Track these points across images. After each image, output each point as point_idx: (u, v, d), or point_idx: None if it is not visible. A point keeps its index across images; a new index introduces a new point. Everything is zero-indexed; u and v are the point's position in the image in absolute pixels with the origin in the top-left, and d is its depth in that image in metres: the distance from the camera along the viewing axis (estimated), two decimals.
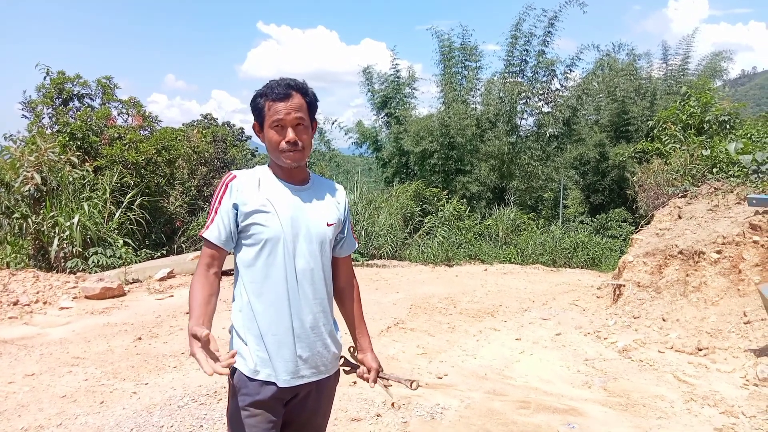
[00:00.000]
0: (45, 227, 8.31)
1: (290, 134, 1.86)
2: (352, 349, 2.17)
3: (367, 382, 2.13)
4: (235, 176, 1.91)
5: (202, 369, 1.58)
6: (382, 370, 2.16)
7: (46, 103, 10.88)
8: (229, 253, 1.95)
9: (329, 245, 2.00)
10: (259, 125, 1.94)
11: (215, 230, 1.87)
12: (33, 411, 3.89)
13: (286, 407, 1.95)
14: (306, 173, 2.02)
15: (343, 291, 2.14)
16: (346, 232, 2.11)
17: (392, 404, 3.84)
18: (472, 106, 18.67)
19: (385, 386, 2.15)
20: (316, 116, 2.04)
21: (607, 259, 13.36)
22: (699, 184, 8.12)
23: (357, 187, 14.69)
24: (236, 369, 1.89)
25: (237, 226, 1.88)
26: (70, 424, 3.70)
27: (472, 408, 4.05)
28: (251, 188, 1.89)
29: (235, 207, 1.87)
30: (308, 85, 1.95)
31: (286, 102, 1.86)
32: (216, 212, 1.88)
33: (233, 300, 1.96)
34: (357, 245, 2.24)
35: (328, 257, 2.00)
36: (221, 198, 1.88)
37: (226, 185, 1.89)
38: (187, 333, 1.71)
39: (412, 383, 2.10)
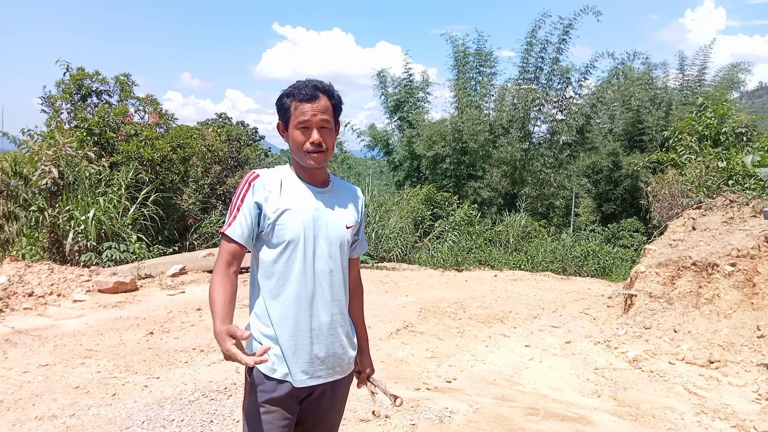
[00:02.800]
0: (61, 221, 8.42)
1: (315, 135, 1.88)
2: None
3: (357, 382, 2.19)
4: (258, 175, 1.93)
5: (242, 361, 1.59)
6: (372, 374, 2.20)
7: (65, 99, 11.02)
8: (248, 251, 1.97)
9: (347, 247, 2.03)
10: (284, 125, 1.96)
11: (237, 228, 1.89)
12: (47, 401, 3.94)
13: (300, 405, 1.97)
14: (327, 175, 2.04)
15: (351, 292, 2.15)
16: (360, 235, 2.14)
17: (372, 412, 3.81)
18: (486, 111, 18.67)
19: (372, 392, 2.18)
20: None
21: (618, 268, 13.28)
22: (714, 195, 8.06)
23: (368, 189, 14.72)
24: (254, 367, 1.92)
25: (258, 225, 1.90)
26: (83, 414, 3.74)
27: (481, 413, 4.05)
28: (274, 188, 1.91)
29: (258, 206, 1.88)
30: (334, 88, 1.97)
31: (312, 103, 1.88)
32: (239, 210, 1.89)
33: (250, 299, 1.98)
34: (368, 248, 2.27)
35: (345, 259, 2.03)
36: (244, 196, 1.90)
37: (250, 183, 1.91)
38: (215, 332, 1.70)
39: (396, 399, 2.12)
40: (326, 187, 2.02)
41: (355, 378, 2.19)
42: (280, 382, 1.90)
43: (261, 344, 1.90)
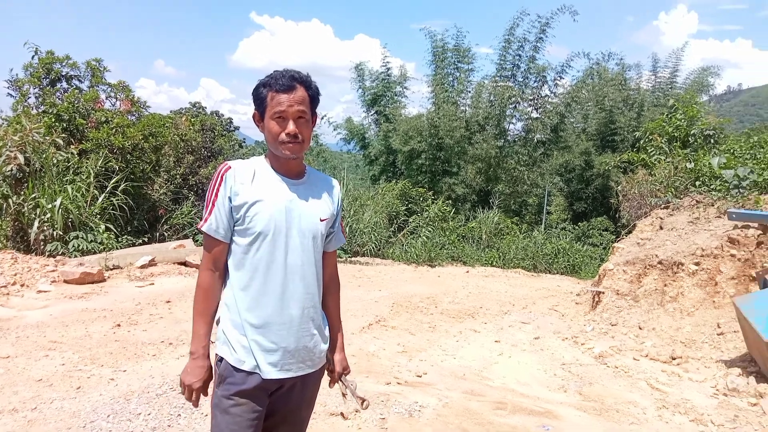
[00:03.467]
0: (26, 209, 8.19)
1: (291, 126, 1.87)
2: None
3: (330, 379, 2.19)
4: (230, 167, 1.91)
5: (192, 401, 1.95)
6: (347, 373, 2.19)
7: (33, 83, 10.69)
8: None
9: (321, 240, 2.01)
10: (260, 115, 1.93)
11: (213, 222, 1.88)
12: (7, 394, 3.85)
13: (270, 398, 1.96)
14: (302, 166, 2.02)
15: (326, 286, 2.12)
16: (336, 227, 2.12)
17: (341, 414, 3.83)
18: (462, 108, 18.77)
19: (342, 393, 2.19)
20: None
21: (587, 266, 13.53)
22: (681, 196, 8.27)
23: (344, 183, 14.68)
24: (222, 358, 1.91)
25: (233, 217, 1.89)
26: (45, 408, 3.66)
27: (450, 407, 4.09)
28: (246, 180, 1.89)
29: (231, 199, 1.87)
30: (312, 79, 1.95)
31: (289, 94, 1.86)
32: (213, 204, 1.88)
33: (221, 291, 1.97)
34: (345, 241, 2.26)
35: (319, 252, 2.02)
36: (217, 190, 1.88)
37: (222, 176, 1.89)
38: (193, 351, 1.92)
39: (363, 402, 2.13)
40: (301, 178, 2.00)
41: (328, 375, 2.18)
42: (249, 374, 1.89)
43: (229, 336, 1.90)
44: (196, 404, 1.94)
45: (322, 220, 1.99)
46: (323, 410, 3.85)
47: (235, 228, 1.90)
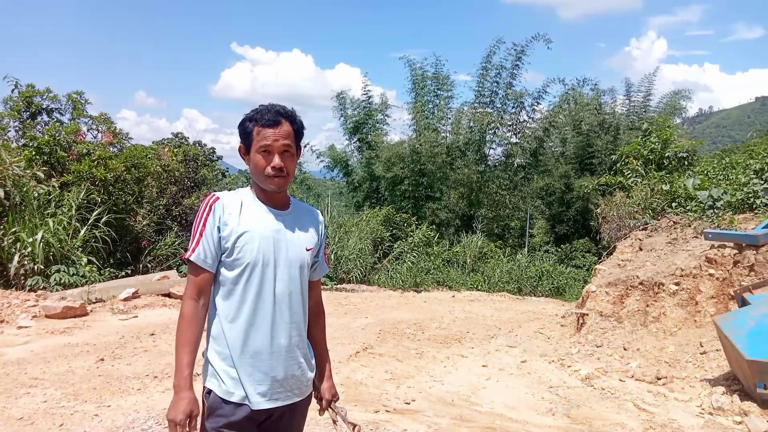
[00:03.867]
0: (6, 243, 8.07)
1: (276, 160, 1.91)
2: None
3: (319, 407, 2.20)
4: (218, 198, 1.94)
5: None
6: (336, 401, 2.21)
7: (13, 116, 10.64)
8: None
9: (307, 269, 2.05)
10: (246, 148, 1.98)
11: (201, 252, 1.90)
12: None
13: (259, 428, 1.97)
14: (287, 198, 2.07)
15: (312, 315, 2.15)
16: (320, 257, 2.16)
17: None
18: (443, 134, 19.05)
19: (333, 420, 2.20)
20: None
21: (571, 288, 13.66)
22: (659, 217, 8.45)
23: (328, 210, 14.73)
24: (211, 391, 1.92)
25: (221, 248, 1.91)
26: None
27: None
28: (234, 210, 1.93)
29: (219, 229, 1.90)
30: (296, 113, 2.01)
31: (274, 129, 1.91)
32: (201, 234, 1.90)
33: (207, 323, 1.97)
34: (329, 270, 2.29)
35: (306, 281, 2.05)
36: (205, 220, 1.91)
37: (210, 207, 1.92)
38: (177, 385, 1.86)
39: (354, 427, 2.15)
40: (286, 209, 2.04)
41: (317, 404, 2.20)
42: (238, 405, 1.89)
43: (217, 368, 1.91)
44: None
45: (307, 250, 2.03)
46: None
47: (223, 259, 1.92)
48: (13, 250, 8.04)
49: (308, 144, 20.45)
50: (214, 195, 1.96)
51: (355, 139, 19.89)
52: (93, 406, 4.32)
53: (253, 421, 1.92)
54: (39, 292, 7.65)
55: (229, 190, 2.11)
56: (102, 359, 5.46)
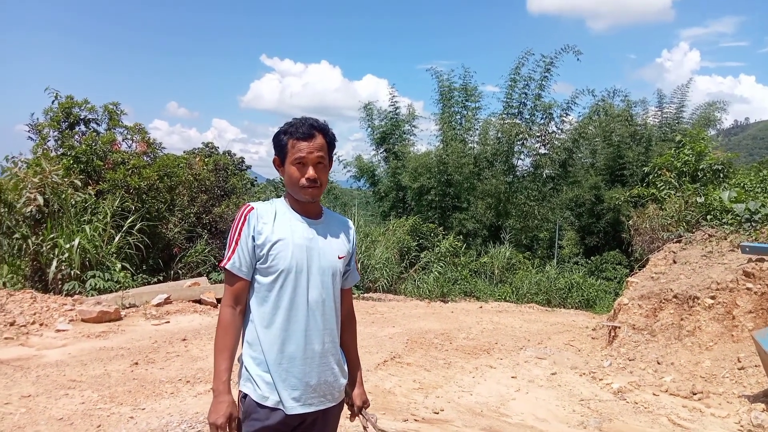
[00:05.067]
0: (44, 248, 8.32)
1: (311, 172, 1.97)
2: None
3: (350, 413, 2.23)
4: (252, 208, 2.00)
5: None
6: (367, 407, 2.23)
7: (53, 126, 10.99)
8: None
9: (339, 277, 2.09)
10: (280, 160, 2.04)
11: (237, 261, 1.95)
12: None
13: None
14: (320, 208, 2.12)
15: (343, 322, 2.19)
16: (351, 265, 2.20)
17: None
18: (470, 145, 19.01)
19: (363, 426, 2.22)
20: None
21: (602, 300, 13.43)
22: (693, 230, 8.28)
23: (354, 220, 14.81)
24: (246, 395, 1.96)
25: (255, 256, 1.96)
26: None
27: None
28: (268, 220, 1.98)
29: (254, 238, 1.95)
30: (329, 126, 2.07)
31: (309, 142, 1.97)
32: (237, 243, 1.96)
33: (243, 329, 2.02)
34: (359, 278, 2.33)
35: (338, 288, 2.09)
36: (240, 229, 1.96)
37: (245, 217, 1.97)
38: (216, 389, 1.92)
39: None
40: (319, 219, 2.09)
41: (348, 410, 2.22)
42: (273, 409, 1.93)
43: (252, 373, 1.95)
44: None
45: (340, 258, 2.07)
46: None
47: (258, 266, 1.97)
48: (52, 255, 8.28)
49: (336, 154, 20.61)
50: (249, 205, 2.02)
51: (382, 150, 19.98)
52: (128, 408, 4.41)
53: (287, 426, 1.96)
54: (75, 296, 7.85)
55: (258, 199, 2.17)
56: (136, 363, 5.58)
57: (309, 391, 1.97)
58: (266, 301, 1.96)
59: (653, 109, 22.55)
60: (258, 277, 1.98)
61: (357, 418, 2.23)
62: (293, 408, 1.94)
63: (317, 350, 1.99)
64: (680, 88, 21.83)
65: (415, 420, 4.49)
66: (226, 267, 1.97)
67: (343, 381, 2.12)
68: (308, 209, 2.06)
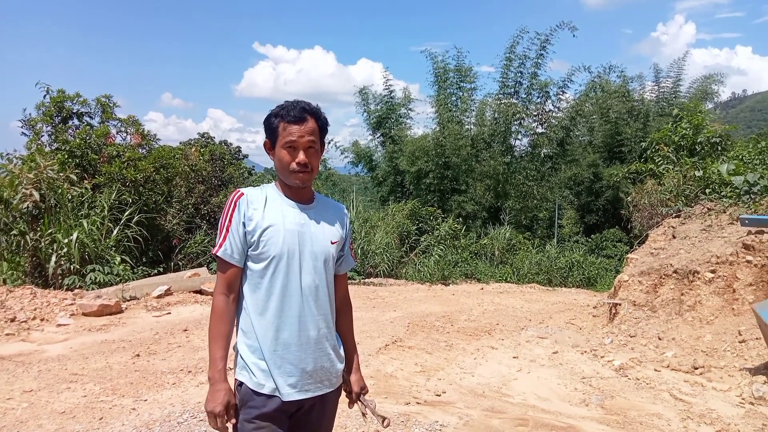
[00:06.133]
0: (43, 244, 8.32)
1: (301, 156, 1.93)
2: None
3: (348, 400, 2.20)
4: (242, 194, 1.97)
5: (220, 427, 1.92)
6: (365, 394, 2.21)
7: (46, 121, 10.93)
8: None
9: (333, 262, 2.06)
10: (271, 144, 2.00)
11: (228, 248, 1.92)
12: (32, 427, 3.87)
13: (290, 419, 1.99)
14: (311, 193, 2.09)
15: (339, 308, 2.17)
16: (345, 250, 2.16)
17: None
18: (467, 126, 18.90)
19: (362, 413, 2.20)
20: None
21: (603, 278, 13.44)
22: (692, 204, 8.25)
23: (353, 206, 14.78)
24: (242, 383, 1.94)
25: (247, 242, 1.94)
26: None
27: (471, 425, 4.07)
28: (258, 206, 1.95)
29: (244, 224, 1.92)
30: (321, 110, 2.03)
31: (300, 125, 1.93)
32: (227, 230, 1.93)
33: (236, 317, 2.00)
34: (355, 264, 2.30)
35: (331, 274, 2.06)
36: (231, 216, 1.93)
37: (235, 203, 1.94)
38: (212, 378, 1.92)
39: (384, 420, 2.15)
40: (311, 204, 2.06)
41: (346, 397, 2.21)
42: (269, 397, 1.92)
43: (247, 360, 1.94)
44: (224, 431, 1.93)
45: (332, 243, 2.04)
46: None
47: (250, 253, 1.94)
48: (50, 251, 8.28)
49: (332, 140, 20.51)
50: (239, 191, 1.99)
51: (379, 134, 19.88)
52: (130, 400, 4.42)
53: (284, 413, 1.95)
54: (76, 291, 7.86)
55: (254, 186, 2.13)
56: (138, 355, 5.59)
57: (305, 378, 1.96)
58: (259, 287, 1.94)
59: (650, 84, 22.41)
60: (250, 263, 1.95)
61: (356, 404, 2.21)
62: (289, 395, 1.93)
63: (312, 336, 1.97)
64: (676, 62, 21.69)
65: (417, 403, 4.50)
66: (218, 254, 1.94)
67: (340, 366, 2.10)
68: (299, 194, 2.02)
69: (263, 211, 1.95)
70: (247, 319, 1.96)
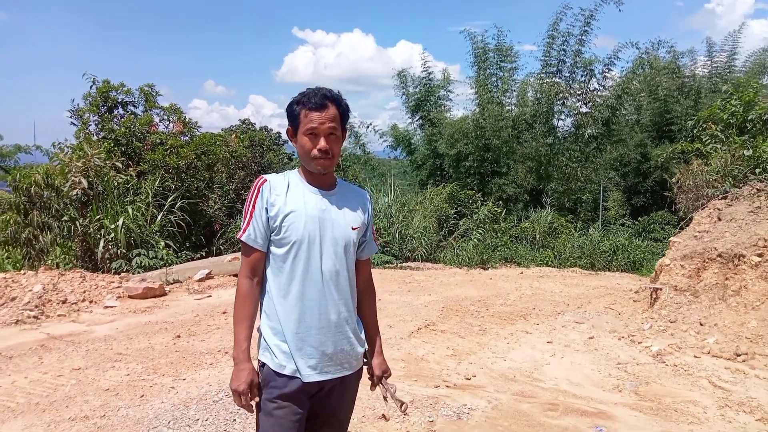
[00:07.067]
0: (91, 230, 8.70)
1: (323, 143, 1.97)
2: (365, 350, 2.25)
3: (371, 383, 2.25)
4: (266, 180, 2.03)
5: (244, 405, 2.01)
6: (388, 377, 2.24)
7: (93, 111, 11.33)
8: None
9: (353, 248, 2.10)
10: (293, 130, 2.05)
11: (252, 233, 2.00)
12: (79, 402, 4.11)
13: (311, 400, 2.05)
14: (333, 179, 2.13)
15: (361, 293, 2.21)
16: (368, 236, 2.20)
17: (383, 415, 3.88)
18: (508, 107, 18.51)
19: (383, 396, 2.23)
20: (348, 123, 2.16)
21: (649, 262, 13.02)
22: (740, 185, 7.87)
23: (391, 189, 14.77)
24: (264, 364, 2.01)
25: (270, 227, 2.00)
26: (113, 415, 3.89)
27: (499, 409, 4.07)
28: (281, 191, 2.01)
29: (267, 210, 1.98)
30: (342, 96, 2.05)
31: (321, 112, 1.97)
32: (251, 215, 2.00)
33: (261, 299, 2.07)
34: (378, 249, 2.33)
35: (352, 259, 2.10)
36: (254, 201, 2.00)
37: (258, 189, 2.01)
38: (237, 357, 1.99)
39: (402, 405, 2.18)
40: (332, 189, 2.09)
41: (368, 380, 2.25)
42: (290, 378, 1.98)
43: (272, 341, 2.00)
44: (249, 408, 2.00)
45: (353, 229, 2.07)
46: (372, 414, 3.91)
47: (272, 238, 2.01)
48: (98, 236, 8.65)
49: (371, 124, 20.48)
50: (262, 178, 2.05)
51: (418, 117, 19.68)
52: (170, 379, 4.61)
53: (305, 393, 2.01)
54: (122, 274, 8.21)
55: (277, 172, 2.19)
56: (179, 336, 5.81)
57: (325, 360, 2.01)
58: (281, 271, 2.00)
59: (702, 58, 21.34)
60: (273, 248, 2.02)
61: (377, 387, 2.25)
62: (310, 376, 1.99)
63: (333, 320, 2.02)
64: (732, 35, 20.53)
65: (447, 386, 4.52)
66: (242, 239, 2.02)
67: (360, 349, 2.14)
68: (321, 180, 2.07)
69: (285, 196, 2.00)
70: (270, 302, 2.02)
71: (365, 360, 2.21)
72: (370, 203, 2.22)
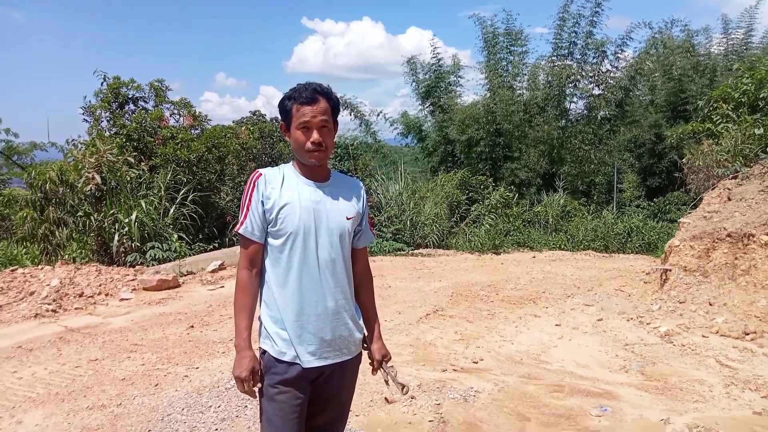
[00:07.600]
0: (106, 224, 8.87)
1: (315, 135, 2.03)
2: (364, 336, 2.30)
3: (371, 367, 2.31)
4: (261, 174, 2.09)
5: (248, 392, 2.09)
6: (387, 361, 2.30)
7: (104, 107, 11.51)
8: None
9: (349, 237, 2.16)
10: (286, 126, 2.11)
11: (249, 225, 2.06)
12: (96, 392, 4.24)
13: (312, 385, 2.12)
14: (327, 171, 2.18)
15: (359, 280, 2.28)
16: (363, 225, 2.25)
17: (385, 399, 3.95)
18: (519, 91, 18.34)
19: (385, 380, 2.29)
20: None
21: (665, 243, 12.85)
22: (751, 164, 7.77)
23: (402, 177, 14.78)
24: (265, 351, 2.09)
25: (266, 220, 2.06)
26: (129, 404, 4.02)
27: (506, 391, 4.12)
28: (276, 185, 2.07)
29: (263, 203, 2.05)
30: (332, 90, 2.11)
31: (312, 106, 2.02)
32: (248, 209, 2.07)
33: (260, 289, 2.14)
34: (374, 238, 2.38)
35: (348, 248, 2.16)
36: (251, 195, 2.07)
37: (254, 183, 2.07)
38: (238, 346, 2.09)
39: (403, 387, 2.23)
40: (326, 181, 2.15)
41: (369, 365, 2.32)
42: (290, 364, 2.05)
43: (272, 329, 2.07)
44: (252, 394, 2.08)
45: (348, 219, 2.13)
46: (379, 398, 3.98)
47: (269, 229, 2.07)
48: (113, 230, 8.83)
49: (382, 111, 20.42)
50: (258, 172, 2.11)
51: (428, 104, 19.58)
52: (184, 368, 4.73)
53: (305, 379, 2.08)
54: (137, 267, 8.37)
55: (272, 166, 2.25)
56: (192, 326, 5.93)
57: (324, 346, 2.08)
58: (279, 262, 2.07)
59: (717, 36, 20.91)
60: (270, 239, 2.08)
61: (378, 371, 2.32)
62: (309, 362, 2.06)
63: (330, 307, 2.08)
64: (748, 10, 20.07)
65: (454, 370, 4.58)
66: (240, 231, 2.08)
67: (359, 335, 2.21)
68: (315, 173, 2.12)
69: (280, 189, 2.06)
70: (269, 292, 2.09)
71: (365, 345, 2.27)
72: (364, 193, 2.28)
